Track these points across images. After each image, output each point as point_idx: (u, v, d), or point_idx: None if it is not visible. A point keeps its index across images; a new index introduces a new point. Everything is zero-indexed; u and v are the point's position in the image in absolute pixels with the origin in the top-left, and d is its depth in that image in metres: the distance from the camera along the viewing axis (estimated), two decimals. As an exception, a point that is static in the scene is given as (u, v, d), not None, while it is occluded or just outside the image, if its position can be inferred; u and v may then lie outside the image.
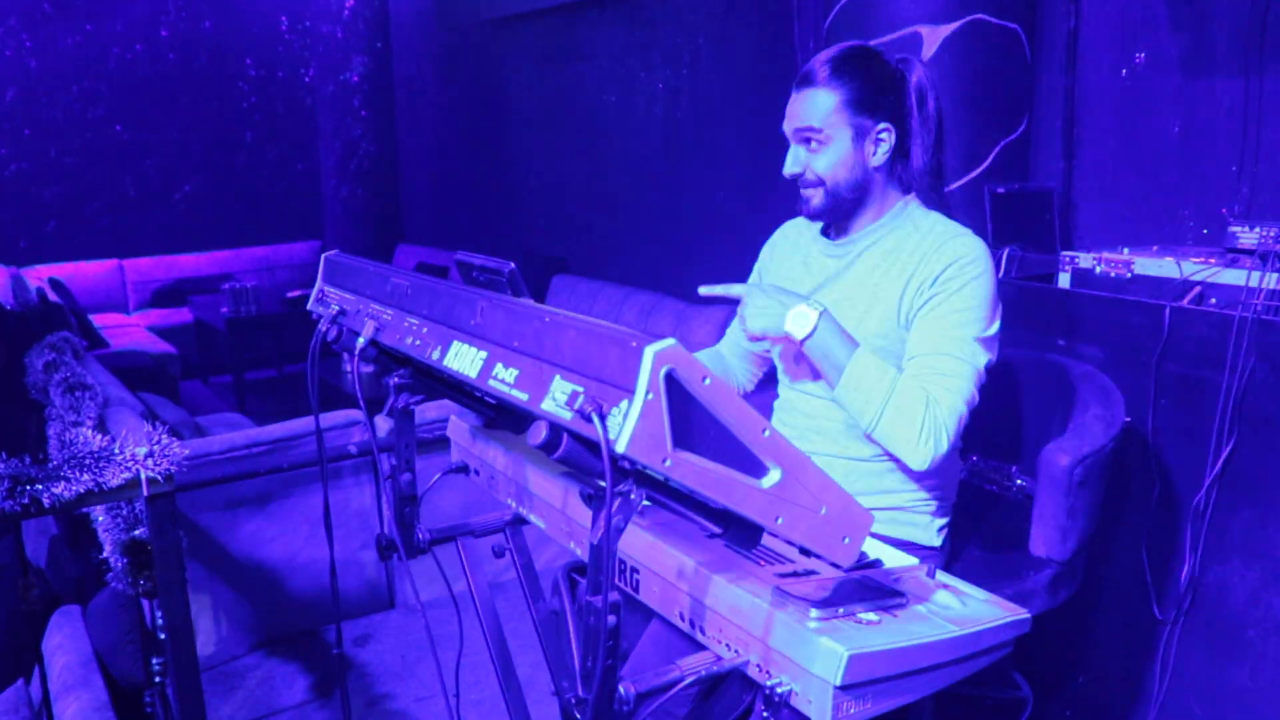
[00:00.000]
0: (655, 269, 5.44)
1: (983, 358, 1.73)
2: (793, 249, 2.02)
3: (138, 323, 7.25)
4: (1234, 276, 2.13)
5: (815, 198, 1.82)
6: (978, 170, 3.05)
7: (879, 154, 1.80)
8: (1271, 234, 2.08)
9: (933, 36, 2.99)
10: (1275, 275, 2.06)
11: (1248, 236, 2.12)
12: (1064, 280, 2.48)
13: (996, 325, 1.77)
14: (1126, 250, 2.43)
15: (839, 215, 1.86)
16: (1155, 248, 2.49)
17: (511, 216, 6.86)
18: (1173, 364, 2.19)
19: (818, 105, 1.76)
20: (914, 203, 1.87)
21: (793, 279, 1.96)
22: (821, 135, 1.77)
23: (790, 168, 1.82)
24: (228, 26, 7.96)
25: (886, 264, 1.82)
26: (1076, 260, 2.45)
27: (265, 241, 8.28)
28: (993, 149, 3.06)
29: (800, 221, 2.05)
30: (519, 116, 6.58)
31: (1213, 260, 2.22)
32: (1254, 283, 2.06)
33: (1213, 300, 2.18)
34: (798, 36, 3.70)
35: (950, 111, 3.04)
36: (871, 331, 1.80)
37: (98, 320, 6.78)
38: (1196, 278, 2.21)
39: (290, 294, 6.86)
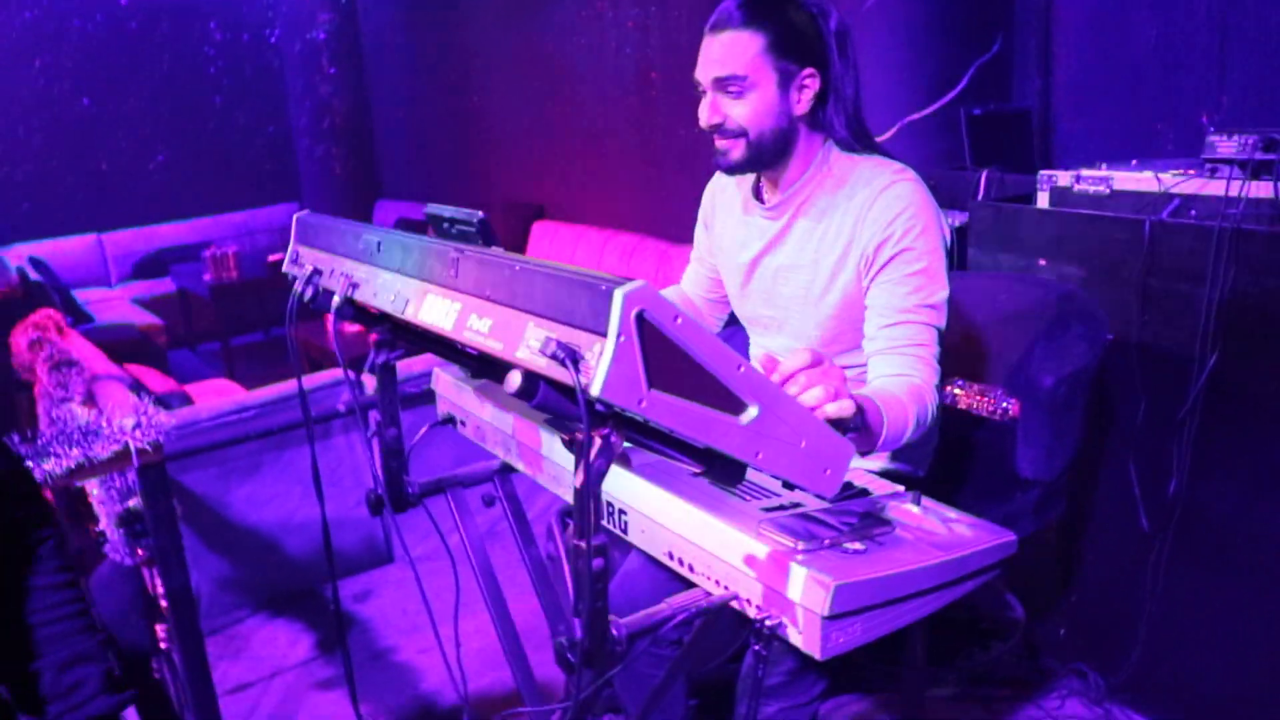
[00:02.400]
0: (635, 210, 5.41)
1: (944, 318, 1.69)
2: (732, 204, 1.94)
3: (121, 296, 7.21)
4: (1215, 187, 2.11)
5: (735, 150, 1.71)
6: (953, 93, 3.03)
7: (804, 101, 1.70)
8: (1250, 142, 2.05)
9: (902, -41, 2.95)
10: (1254, 184, 2.04)
11: (1226, 145, 2.09)
12: (1043, 200, 2.46)
13: (947, 276, 1.70)
14: (1104, 166, 2.41)
15: (759, 167, 1.75)
16: (1134, 162, 2.47)
17: (488, 166, 6.80)
18: (1155, 279, 2.19)
19: (740, 49, 1.64)
20: (834, 148, 1.76)
21: (736, 240, 1.90)
22: (746, 81, 1.65)
23: (711, 118, 1.69)
24: (188, -10, 7.82)
25: (822, 228, 1.75)
26: (1055, 179, 2.43)
27: (243, 206, 8.21)
28: (968, 70, 3.03)
29: (725, 179, 1.97)
30: (489, 63, 6.50)
31: (1191, 172, 2.20)
32: (1233, 193, 2.05)
33: (1193, 213, 2.17)
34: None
35: (922, 34, 3.02)
36: (817, 299, 1.76)
37: (81, 296, 6.75)
38: (1175, 190, 2.19)
39: (271, 257, 6.82)
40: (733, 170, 1.76)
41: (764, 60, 1.65)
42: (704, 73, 1.69)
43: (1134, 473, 2.29)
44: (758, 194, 1.87)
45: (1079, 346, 2.02)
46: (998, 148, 2.96)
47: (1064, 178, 2.42)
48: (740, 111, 1.68)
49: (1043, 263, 2.40)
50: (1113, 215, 2.28)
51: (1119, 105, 3.05)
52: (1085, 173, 2.38)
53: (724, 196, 1.97)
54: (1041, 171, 2.48)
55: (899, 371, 1.63)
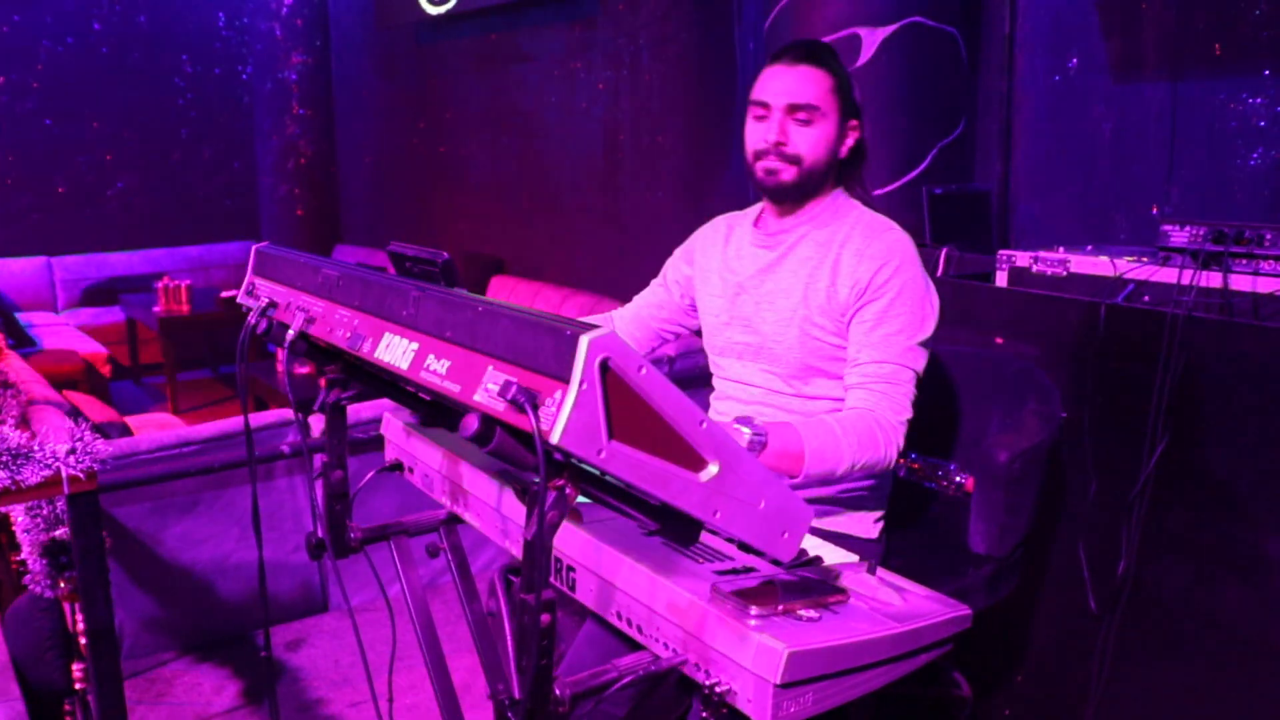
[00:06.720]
0: (595, 270, 5.42)
1: (921, 362, 1.75)
2: (718, 241, 2.01)
3: (67, 322, 7.06)
4: (1168, 275, 2.15)
5: (786, 172, 1.79)
6: (916, 171, 3.07)
7: (847, 146, 1.83)
8: (1201, 233, 2.11)
9: (871, 38, 3.00)
10: (1205, 274, 2.08)
11: (1179, 235, 2.15)
12: (1001, 279, 2.49)
13: (932, 326, 1.78)
14: (1061, 249, 2.45)
15: (799, 195, 1.84)
16: (1090, 246, 2.52)
17: (450, 217, 6.79)
18: (1108, 361, 2.21)
19: (816, 82, 1.77)
20: (842, 194, 1.88)
21: (727, 267, 1.95)
22: (818, 112, 1.77)
23: (778, 135, 1.78)
24: (163, 21, 7.79)
25: (818, 256, 1.82)
26: (1013, 259, 2.47)
27: (200, 240, 8.12)
28: (931, 150, 3.09)
29: (724, 217, 2.04)
30: (458, 116, 6.52)
31: (1145, 259, 2.24)
32: (1185, 281, 2.08)
33: (1146, 298, 2.20)
34: (738, 37, 3.70)
35: (889, 113, 3.07)
36: (803, 322, 1.80)
37: (25, 318, 6.60)
38: (1130, 276, 2.23)
39: (225, 293, 6.73)
40: (777, 190, 1.83)
41: (833, 98, 1.78)
42: (777, 97, 1.78)
43: (1083, 552, 2.29)
44: (759, 223, 1.94)
45: (1033, 423, 2.02)
46: (957, 226, 3.01)
47: (1023, 258, 2.45)
48: (803, 139, 1.78)
49: (999, 340, 2.42)
50: (1069, 297, 2.31)
51: (1075, 192, 3.12)
52: (1043, 254, 2.42)
53: (714, 234, 2.03)
54: (1001, 251, 2.51)
55: (862, 405, 1.69)
